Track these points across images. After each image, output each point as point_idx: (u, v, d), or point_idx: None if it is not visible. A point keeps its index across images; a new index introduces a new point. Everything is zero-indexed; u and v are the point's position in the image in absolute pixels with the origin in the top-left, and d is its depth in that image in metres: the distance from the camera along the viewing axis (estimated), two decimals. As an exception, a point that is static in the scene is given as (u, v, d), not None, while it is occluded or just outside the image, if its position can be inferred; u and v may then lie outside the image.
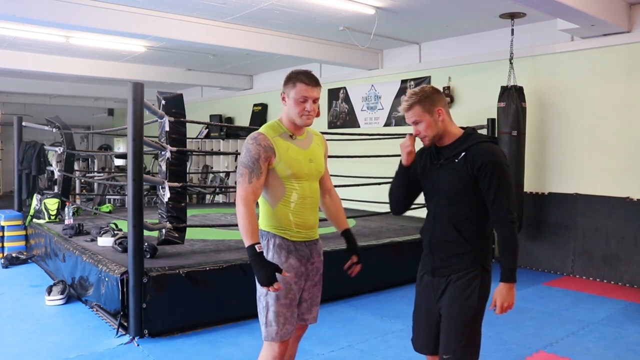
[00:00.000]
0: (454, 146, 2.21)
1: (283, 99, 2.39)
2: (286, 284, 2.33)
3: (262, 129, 2.40)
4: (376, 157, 6.64)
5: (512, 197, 2.14)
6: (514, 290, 2.16)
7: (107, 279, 4.14)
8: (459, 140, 2.21)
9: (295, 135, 2.41)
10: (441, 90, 7.97)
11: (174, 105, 4.63)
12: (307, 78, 2.35)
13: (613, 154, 5.74)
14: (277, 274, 2.21)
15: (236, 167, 2.34)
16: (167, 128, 4.55)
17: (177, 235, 4.61)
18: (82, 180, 9.69)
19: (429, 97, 2.19)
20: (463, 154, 2.16)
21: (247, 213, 2.24)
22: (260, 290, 2.34)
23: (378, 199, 6.84)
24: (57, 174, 7.15)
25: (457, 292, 2.17)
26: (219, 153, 8.20)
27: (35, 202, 6.77)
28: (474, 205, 2.17)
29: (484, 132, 6.19)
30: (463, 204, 2.18)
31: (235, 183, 2.37)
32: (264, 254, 2.29)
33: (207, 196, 10.73)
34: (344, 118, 8.88)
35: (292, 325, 2.37)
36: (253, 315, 2.73)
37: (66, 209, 5.91)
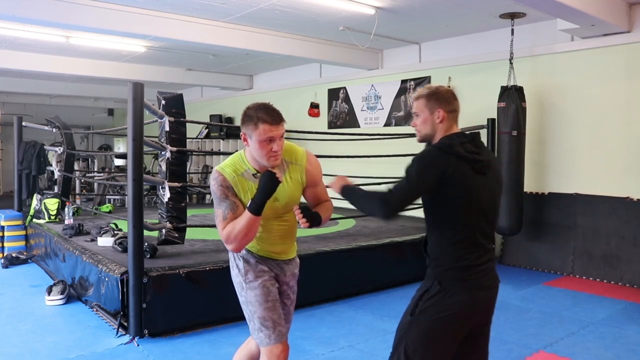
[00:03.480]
0: None
1: (244, 139, 2.21)
2: (263, 287, 2.31)
3: (222, 167, 2.26)
4: (376, 157, 6.64)
5: (405, 186, 1.97)
6: (345, 180, 2.22)
7: (107, 279, 4.14)
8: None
9: (259, 173, 2.24)
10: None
11: (174, 105, 4.63)
12: (270, 116, 2.13)
13: (613, 154, 5.74)
14: (256, 283, 2.29)
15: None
16: (167, 128, 4.55)
17: (177, 235, 4.62)
18: (82, 180, 9.69)
19: (437, 95, 2.12)
20: None
21: (238, 227, 2.16)
22: (242, 299, 2.36)
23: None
24: (57, 174, 7.15)
25: (411, 299, 2.12)
26: (219, 153, 8.20)
27: (35, 202, 6.77)
28: (432, 215, 2.08)
29: (483, 132, 6.19)
30: (428, 215, 2.11)
31: None
32: (233, 271, 2.38)
33: (207, 196, 10.72)
34: (344, 118, 8.88)
35: (283, 325, 2.32)
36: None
37: (66, 209, 5.91)
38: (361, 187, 2.19)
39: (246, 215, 2.14)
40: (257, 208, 2.13)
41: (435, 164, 1.98)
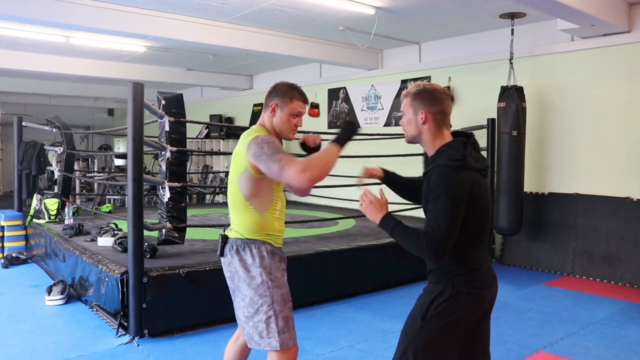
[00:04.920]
0: (430, 162, 2.02)
1: (273, 109, 2.35)
2: (286, 287, 2.35)
3: (263, 131, 2.34)
4: (376, 157, 6.63)
5: (445, 228, 1.86)
6: (383, 208, 2.02)
7: (107, 279, 4.14)
8: (433, 157, 2.02)
9: None
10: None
11: (174, 105, 4.63)
12: (302, 96, 2.40)
13: (613, 154, 5.74)
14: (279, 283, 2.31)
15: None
16: (167, 128, 4.55)
17: (177, 235, 4.61)
18: (82, 180, 9.70)
19: (422, 95, 2.02)
20: (428, 174, 1.99)
21: (322, 157, 2.15)
22: (260, 301, 2.27)
23: (378, 199, 6.82)
24: (57, 174, 7.15)
25: (417, 302, 2.09)
26: (219, 153, 8.19)
27: (35, 202, 6.77)
28: None
29: (483, 132, 6.19)
30: None
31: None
32: (255, 260, 2.29)
33: (207, 196, 10.73)
34: (344, 118, 8.88)
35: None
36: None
37: (66, 209, 5.91)
38: (399, 220, 2.02)
39: (330, 147, 2.17)
40: (343, 142, 2.21)
41: (463, 189, 1.91)
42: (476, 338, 2.12)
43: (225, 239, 2.38)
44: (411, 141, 2.11)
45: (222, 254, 2.39)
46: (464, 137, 2.05)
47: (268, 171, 2.15)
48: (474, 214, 1.96)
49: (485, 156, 6.11)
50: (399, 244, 2.02)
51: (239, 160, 2.30)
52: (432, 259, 1.92)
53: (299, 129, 2.43)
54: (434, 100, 2.01)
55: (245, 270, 2.31)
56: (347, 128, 2.27)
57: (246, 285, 2.30)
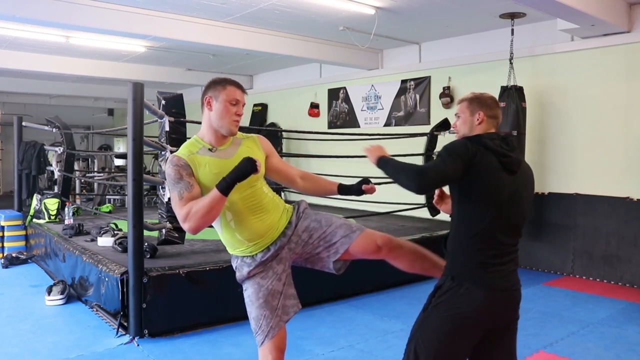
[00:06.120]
0: None
1: (208, 102, 2.28)
2: (254, 284, 2.34)
3: (177, 152, 2.30)
4: (376, 157, 6.63)
5: (433, 166, 2.03)
6: (382, 151, 2.26)
7: (107, 279, 4.14)
8: None
9: (215, 147, 2.29)
10: (440, 90, 7.85)
11: (174, 105, 4.63)
12: (236, 83, 2.33)
13: (613, 154, 5.74)
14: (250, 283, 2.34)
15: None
16: (167, 128, 4.54)
17: (177, 235, 4.61)
18: (82, 180, 9.69)
19: (479, 99, 2.20)
20: None
21: (201, 204, 2.11)
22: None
23: (378, 199, 6.83)
24: (57, 174, 7.15)
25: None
26: (219, 153, 8.27)
27: (35, 202, 6.77)
28: (456, 207, 2.10)
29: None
30: (453, 210, 2.14)
31: None
32: (236, 273, 2.39)
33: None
34: (344, 118, 8.88)
35: (276, 320, 2.32)
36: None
37: (66, 209, 5.91)
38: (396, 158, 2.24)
39: (213, 193, 2.10)
40: (226, 186, 2.09)
41: (464, 149, 2.03)
42: (499, 344, 2.09)
43: None
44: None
45: None
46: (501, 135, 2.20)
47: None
48: (477, 194, 2.00)
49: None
50: (391, 176, 2.17)
51: None
52: (415, 184, 2.01)
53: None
54: (490, 105, 2.21)
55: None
56: (240, 167, 2.12)
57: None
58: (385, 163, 2.20)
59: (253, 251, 2.35)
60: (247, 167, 2.11)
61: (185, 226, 2.15)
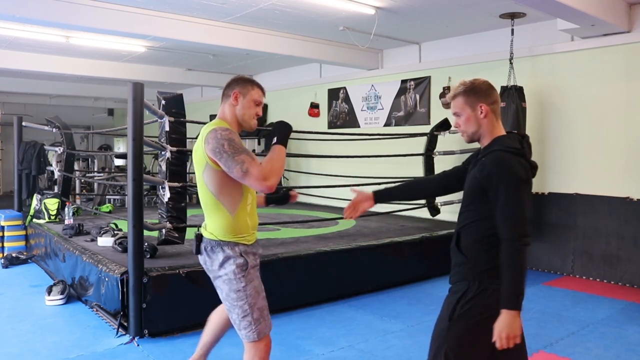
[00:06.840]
0: (484, 150, 2.05)
1: (236, 97, 2.41)
2: (257, 278, 2.46)
3: (223, 125, 2.36)
4: (376, 157, 6.64)
5: (520, 212, 1.92)
6: (518, 318, 1.96)
7: (107, 279, 4.14)
8: (489, 145, 2.05)
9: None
10: (440, 90, 7.85)
11: (174, 105, 4.63)
12: (262, 87, 2.50)
13: (613, 154, 5.74)
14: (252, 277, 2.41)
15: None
16: (167, 128, 4.55)
17: (177, 235, 4.61)
18: (82, 180, 9.69)
19: (475, 89, 2.02)
20: (482, 159, 2.01)
21: (277, 161, 2.24)
22: (236, 296, 2.39)
23: (378, 199, 6.83)
24: (57, 174, 7.15)
25: (444, 303, 2.08)
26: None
27: (35, 202, 6.77)
28: (480, 214, 2.01)
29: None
30: (470, 212, 2.05)
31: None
32: (229, 260, 2.38)
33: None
34: (344, 118, 8.88)
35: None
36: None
37: (66, 209, 5.91)
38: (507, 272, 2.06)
39: (278, 149, 2.28)
40: (285, 140, 2.33)
41: (525, 173, 1.95)
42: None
43: (200, 237, 2.47)
44: (472, 139, 2.10)
45: (198, 252, 2.51)
46: (520, 136, 2.12)
47: (229, 171, 2.24)
48: None
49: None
50: (521, 274, 2.08)
51: (197, 154, 2.34)
52: (528, 243, 2.00)
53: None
54: (487, 91, 2.05)
55: (221, 268, 2.43)
56: (281, 129, 2.36)
57: (221, 282, 2.46)
58: (516, 296, 2.03)
59: (250, 240, 2.47)
60: (288, 126, 2.38)
61: (267, 183, 2.18)
